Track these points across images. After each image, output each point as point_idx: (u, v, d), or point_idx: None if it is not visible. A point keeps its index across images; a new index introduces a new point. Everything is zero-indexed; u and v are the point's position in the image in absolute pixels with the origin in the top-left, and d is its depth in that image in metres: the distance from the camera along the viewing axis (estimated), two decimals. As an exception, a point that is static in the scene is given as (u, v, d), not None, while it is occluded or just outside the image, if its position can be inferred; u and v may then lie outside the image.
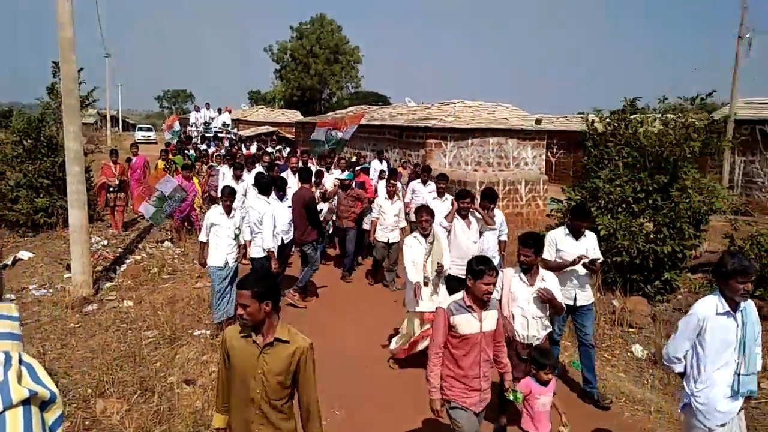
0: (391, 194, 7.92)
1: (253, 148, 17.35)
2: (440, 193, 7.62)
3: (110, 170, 11.16)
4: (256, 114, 31.64)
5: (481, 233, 6.14)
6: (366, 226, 8.75)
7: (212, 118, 22.44)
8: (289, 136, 27.12)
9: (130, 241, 10.74)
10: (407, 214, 8.55)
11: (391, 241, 7.91)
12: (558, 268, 4.79)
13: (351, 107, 25.69)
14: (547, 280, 4.14)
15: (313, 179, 8.33)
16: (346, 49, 45.88)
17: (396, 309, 6.91)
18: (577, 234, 4.93)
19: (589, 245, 4.95)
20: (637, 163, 7.79)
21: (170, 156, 13.30)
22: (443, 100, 17.22)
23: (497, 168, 15.29)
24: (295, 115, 32.22)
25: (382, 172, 10.48)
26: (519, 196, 14.86)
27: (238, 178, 9.36)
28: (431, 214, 5.38)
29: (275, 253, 6.71)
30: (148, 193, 10.08)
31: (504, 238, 6.55)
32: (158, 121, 63.86)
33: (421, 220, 5.33)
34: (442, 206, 7.23)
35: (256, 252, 6.84)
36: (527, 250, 4.05)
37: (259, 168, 10.17)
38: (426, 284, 5.23)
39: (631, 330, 6.79)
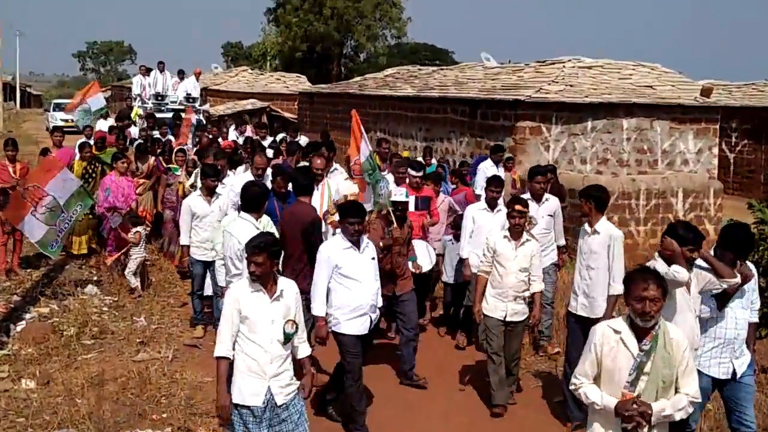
0: (515, 230, 7.74)
1: (233, 135, 17.83)
2: (490, 204, 9.10)
3: (6, 172, 11.72)
4: (235, 80, 32.42)
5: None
6: (424, 264, 9.17)
7: (167, 87, 23.23)
8: (288, 115, 27.59)
9: (32, 285, 11.07)
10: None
11: (513, 319, 7.75)
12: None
13: (390, 69, 26.06)
14: None
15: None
16: (384, -25, 46.71)
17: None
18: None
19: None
20: None
21: (93, 151, 13.59)
22: (544, 58, 17.44)
23: (636, 168, 15.26)
24: (298, 82, 32.82)
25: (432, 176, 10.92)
26: (673, 213, 14.78)
27: (211, 191, 9.64)
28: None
29: None
30: (34, 199, 9.99)
31: (560, 242, 8.69)
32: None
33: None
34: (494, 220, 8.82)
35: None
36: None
37: (243, 173, 10.50)
38: None
39: None
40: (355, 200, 8.16)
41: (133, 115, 22.22)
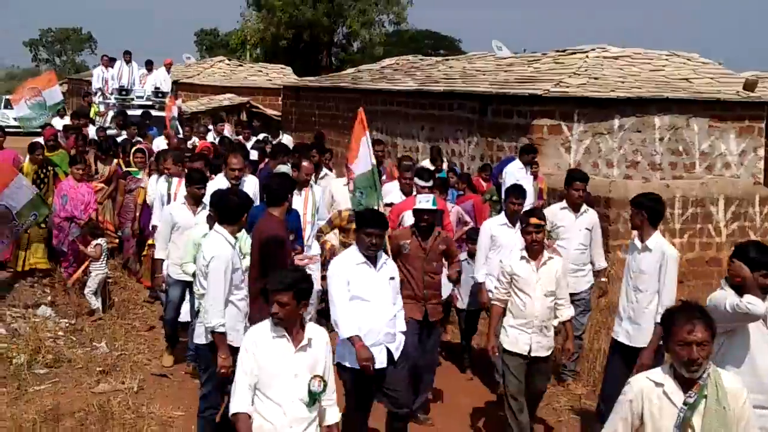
0: (534, 249, 7.43)
1: (210, 137, 17.57)
2: (512, 218, 8.77)
3: None
4: (210, 72, 32.38)
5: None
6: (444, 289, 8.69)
7: (133, 81, 23.08)
8: (270, 112, 27.54)
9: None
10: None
11: (539, 354, 7.38)
12: None
13: (388, 59, 25.98)
14: None
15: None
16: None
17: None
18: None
19: None
20: None
21: (45, 152, 13.19)
22: (564, 47, 17.38)
23: (670, 172, 15.18)
24: (283, 74, 32.82)
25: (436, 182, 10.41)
26: (714, 224, 14.69)
27: (197, 199, 9.21)
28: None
29: (225, 342, 6.65)
30: None
31: (601, 263, 9.09)
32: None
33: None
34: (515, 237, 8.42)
35: (197, 335, 6.99)
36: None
37: (220, 180, 9.95)
38: None
39: None
40: (373, 209, 7.67)
41: (92, 112, 22.08)
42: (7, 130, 14.90)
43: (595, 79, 15.22)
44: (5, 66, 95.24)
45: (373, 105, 20.41)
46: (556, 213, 8.95)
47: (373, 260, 6.57)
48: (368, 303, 6.52)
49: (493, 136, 15.82)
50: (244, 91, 29.54)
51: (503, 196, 9.26)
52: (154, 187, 10.99)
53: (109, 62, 24.10)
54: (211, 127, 18.86)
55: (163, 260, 9.10)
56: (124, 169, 13.10)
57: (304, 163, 9.69)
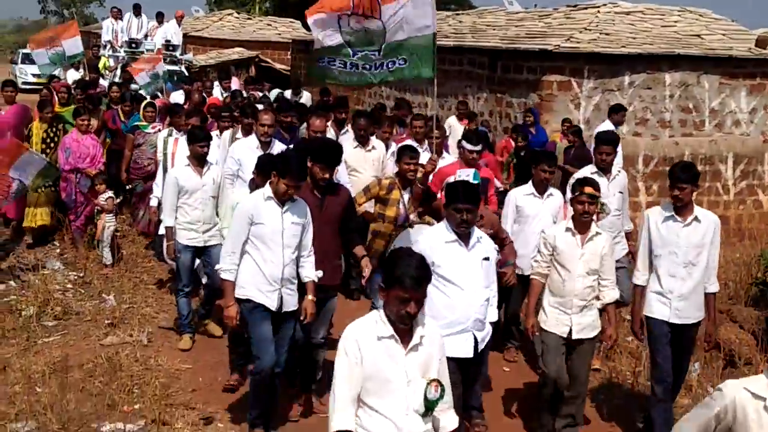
0: (583, 221, 6.80)
1: (217, 92, 17.41)
2: (539, 187, 8.32)
3: None
4: (219, 25, 32.14)
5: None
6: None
7: (146, 34, 22.87)
8: (280, 66, 27.37)
9: (-13, 259, 11.09)
10: None
11: (580, 336, 6.88)
12: None
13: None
14: None
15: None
16: None
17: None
18: None
19: None
20: None
21: (56, 108, 13.15)
22: (575, 2, 17.21)
23: (680, 129, 15.11)
24: (292, 28, 32.54)
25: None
26: (722, 182, 14.74)
27: (201, 159, 8.66)
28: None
29: (231, 290, 6.62)
30: (2, 189, 10.31)
31: (629, 226, 8.45)
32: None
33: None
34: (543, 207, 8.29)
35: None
36: None
37: (251, 140, 9.41)
38: None
39: None
40: (465, 182, 6.72)
41: (101, 65, 21.93)
42: (24, 86, 14.79)
43: (606, 34, 15.03)
44: (14, 18, 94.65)
45: (381, 60, 20.37)
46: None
47: (465, 238, 6.01)
48: (457, 288, 6.00)
49: (503, 92, 15.69)
50: (253, 45, 29.24)
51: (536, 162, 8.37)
52: (171, 143, 10.43)
53: (118, 15, 23.80)
54: (216, 83, 18.43)
55: (171, 227, 8.51)
56: (123, 119, 13.03)
57: (316, 121, 9.12)
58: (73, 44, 17.91)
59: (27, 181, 10.37)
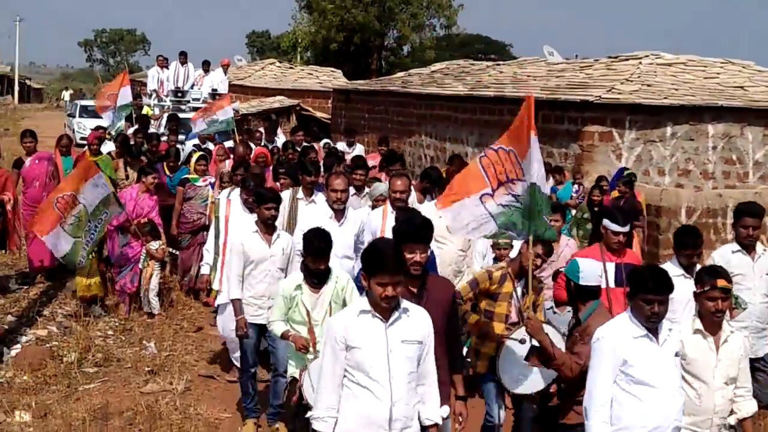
0: (715, 320, 5.68)
1: (280, 140, 16.93)
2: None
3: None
4: (261, 74, 32.57)
5: None
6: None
7: (193, 84, 22.98)
8: (320, 115, 27.61)
9: (29, 303, 11.07)
10: None
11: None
12: None
13: (438, 63, 25.97)
14: None
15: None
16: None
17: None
18: None
19: None
20: None
21: (88, 158, 12.80)
22: (617, 53, 17.25)
23: (723, 181, 15.03)
24: (333, 77, 32.90)
25: None
26: (766, 233, 14.32)
27: (269, 225, 7.91)
28: None
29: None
30: (66, 209, 9.84)
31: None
32: (84, 84, 65.69)
33: None
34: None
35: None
36: None
37: (321, 206, 8.74)
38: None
39: None
40: (656, 267, 5.77)
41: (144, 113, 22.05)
42: (83, 141, 14.40)
43: (648, 85, 15.09)
44: (60, 65, 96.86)
45: (422, 109, 20.47)
46: (729, 258, 7.27)
47: (654, 332, 5.11)
48: (651, 389, 5.07)
49: (543, 142, 15.57)
50: (294, 93, 29.56)
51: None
52: (224, 205, 9.37)
53: (164, 63, 23.81)
54: (280, 129, 17.98)
55: (239, 300, 7.61)
56: (168, 174, 12.80)
57: (397, 181, 8.12)
58: (124, 94, 17.80)
59: (90, 208, 9.90)
